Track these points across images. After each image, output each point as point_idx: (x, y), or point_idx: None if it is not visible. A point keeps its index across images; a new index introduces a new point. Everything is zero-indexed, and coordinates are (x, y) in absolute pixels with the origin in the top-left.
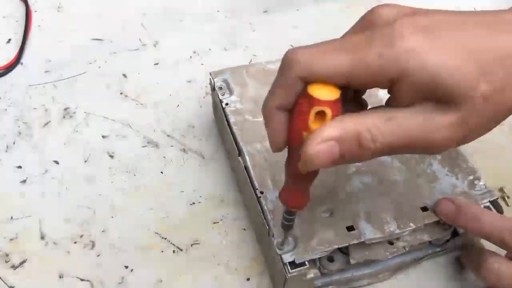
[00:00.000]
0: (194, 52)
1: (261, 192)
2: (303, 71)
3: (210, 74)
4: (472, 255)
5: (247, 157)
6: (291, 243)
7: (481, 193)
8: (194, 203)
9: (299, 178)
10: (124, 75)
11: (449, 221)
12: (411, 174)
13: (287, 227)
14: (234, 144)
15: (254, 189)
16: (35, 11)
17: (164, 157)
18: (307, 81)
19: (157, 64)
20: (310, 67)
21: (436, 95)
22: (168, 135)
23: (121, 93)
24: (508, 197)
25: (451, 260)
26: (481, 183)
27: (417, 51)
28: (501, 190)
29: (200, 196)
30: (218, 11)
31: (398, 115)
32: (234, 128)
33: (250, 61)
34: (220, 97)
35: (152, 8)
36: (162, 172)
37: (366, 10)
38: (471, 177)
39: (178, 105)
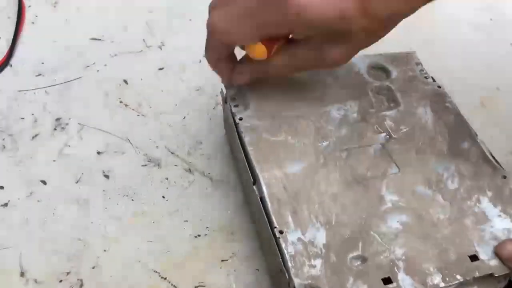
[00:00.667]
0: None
1: (281, 232)
2: (224, 40)
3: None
4: None
5: (263, 187)
6: None
7: None
8: (199, 235)
9: None
10: (125, 81)
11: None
12: (457, 212)
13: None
14: (248, 169)
15: (272, 227)
16: (29, 6)
17: (166, 179)
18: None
19: (162, 69)
20: (228, 37)
21: (326, 32)
22: (172, 153)
23: (120, 102)
24: None
25: None
26: None
27: (303, 2)
28: None
29: (207, 227)
30: None
31: (297, 52)
32: (249, 149)
33: None
34: (233, 110)
35: (159, 4)
36: (164, 197)
37: None
38: None
39: (185, 117)
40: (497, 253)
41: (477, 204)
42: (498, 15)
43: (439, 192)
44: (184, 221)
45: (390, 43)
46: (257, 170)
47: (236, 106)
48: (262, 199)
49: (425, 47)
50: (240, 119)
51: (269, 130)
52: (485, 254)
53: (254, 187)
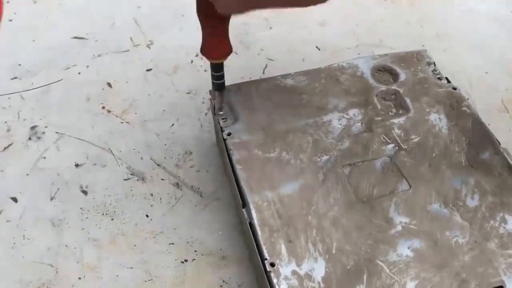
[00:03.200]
0: (197, 55)
1: (272, 265)
2: None
3: (210, 93)
4: None
5: (253, 212)
6: None
7: None
8: (186, 260)
9: (214, 20)
10: (109, 84)
11: None
12: (478, 234)
13: (218, 86)
14: (237, 191)
15: (262, 259)
16: (7, 2)
17: (151, 195)
18: None
19: (150, 70)
20: None
21: None
22: (158, 165)
23: (103, 108)
24: None
25: None
26: None
27: None
28: None
29: (195, 251)
30: None
31: None
32: (238, 168)
33: (265, 68)
34: (221, 124)
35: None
36: (147, 216)
37: (406, 2)
38: None
39: (173, 124)
40: None
41: (502, 224)
42: None
43: (457, 211)
44: (170, 244)
45: (399, 39)
46: (246, 193)
47: (224, 119)
48: (251, 225)
49: (439, 43)
50: (229, 134)
51: (261, 146)
52: None
53: (244, 210)
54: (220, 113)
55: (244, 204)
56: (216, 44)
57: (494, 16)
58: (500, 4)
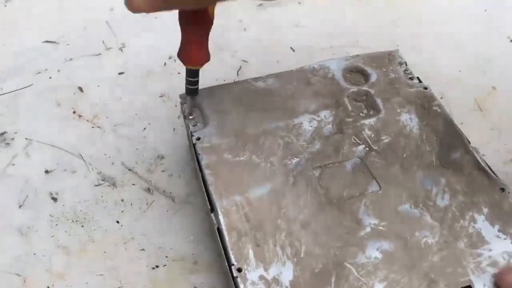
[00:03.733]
0: (170, 58)
1: (239, 270)
2: None
3: (180, 97)
4: None
5: (221, 217)
6: None
7: None
8: (157, 266)
9: (195, 27)
10: (80, 89)
11: None
12: (448, 234)
13: (191, 91)
14: (206, 196)
15: (229, 264)
16: None
17: (122, 200)
18: None
19: (122, 73)
20: None
21: None
22: (130, 170)
23: (74, 112)
24: None
25: None
26: None
27: None
28: None
29: (166, 257)
30: None
31: None
32: (206, 173)
33: (239, 70)
34: (191, 128)
35: (122, 2)
36: (118, 222)
37: (382, 2)
38: None
39: (145, 128)
40: (499, 284)
41: (472, 223)
42: (493, 4)
43: (427, 211)
44: (141, 250)
45: (374, 39)
46: (214, 197)
47: (194, 124)
48: (219, 230)
49: (414, 43)
50: (198, 139)
51: (231, 150)
52: (481, 284)
53: (212, 215)
54: (191, 117)
55: (212, 209)
56: (194, 51)
57: (468, 15)
58: (475, 3)
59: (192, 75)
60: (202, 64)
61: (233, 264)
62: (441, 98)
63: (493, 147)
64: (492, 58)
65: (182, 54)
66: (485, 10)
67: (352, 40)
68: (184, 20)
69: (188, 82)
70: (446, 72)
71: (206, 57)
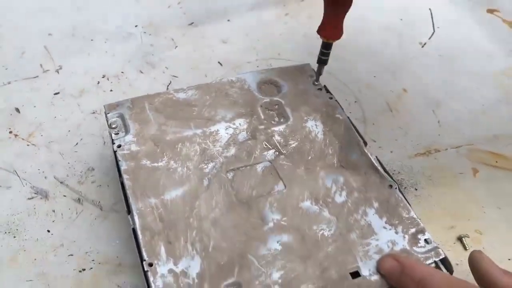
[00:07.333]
0: (103, 77)
1: (150, 265)
2: None
3: (105, 108)
4: None
5: (136, 218)
6: None
7: (425, 251)
8: (84, 269)
9: (336, 7)
10: (17, 110)
11: (392, 284)
12: (343, 227)
13: (323, 61)
14: (124, 199)
15: (142, 260)
16: None
17: (53, 211)
18: None
19: (57, 93)
20: None
21: None
22: (61, 182)
23: (10, 132)
24: (467, 237)
25: None
26: (425, 237)
27: None
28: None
29: (93, 260)
30: (136, 26)
31: None
32: (125, 177)
33: (169, 84)
34: (113, 136)
35: (60, 26)
36: (49, 231)
37: (306, 17)
38: (413, 230)
39: (77, 143)
40: (378, 269)
41: (364, 216)
42: (408, 15)
43: (326, 207)
44: (69, 255)
45: (296, 52)
46: (131, 201)
47: (116, 133)
48: (134, 230)
49: (333, 53)
50: (119, 146)
51: (149, 156)
52: (367, 270)
53: (129, 217)
54: (113, 126)
55: (129, 211)
56: (332, 29)
57: (384, 24)
58: (392, 13)
59: (327, 48)
60: (336, 39)
61: (145, 260)
62: (355, 102)
63: (400, 144)
64: (404, 63)
65: (321, 30)
66: (401, 19)
67: (274, 53)
68: (330, 2)
69: (321, 53)
70: (362, 77)
71: (339, 34)
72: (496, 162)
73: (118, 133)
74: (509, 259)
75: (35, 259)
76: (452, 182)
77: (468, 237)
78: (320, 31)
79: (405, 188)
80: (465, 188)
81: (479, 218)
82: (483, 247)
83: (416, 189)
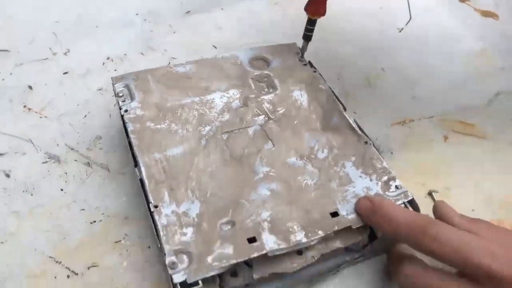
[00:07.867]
0: (108, 59)
1: (155, 206)
2: None
3: (112, 80)
4: (391, 260)
5: (142, 169)
6: (185, 261)
7: (395, 195)
8: (94, 221)
9: None
10: (30, 87)
11: (367, 221)
12: (324, 178)
13: (307, 37)
14: (131, 156)
15: (148, 203)
16: None
17: (65, 173)
18: None
19: (66, 73)
20: None
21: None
22: (72, 149)
23: (24, 106)
24: (436, 192)
25: (376, 267)
26: (396, 183)
27: None
28: (430, 193)
29: (102, 214)
30: (137, 14)
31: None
32: (132, 137)
33: (168, 64)
34: (120, 104)
35: (66, 15)
36: (62, 190)
37: (294, 7)
38: (386, 178)
39: (86, 116)
40: (355, 209)
41: (342, 168)
42: (387, 2)
43: (309, 162)
44: (81, 210)
45: (284, 37)
46: (138, 155)
47: (123, 100)
48: (141, 180)
49: (319, 36)
50: (126, 111)
51: (153, 119)
52: (345, 210)
53: (136, 169)
54: (120, 95)
55: (136, 164)
56: (315, 6)
57: (365, 11)
58: (373, 2)
59: (311, 24)
60: (320, 16)
61: (151, 202)
62: (338, 79)
63: (378, 115)
64: (383, 46)
65: (307, 7)
66: (381, 8)
67: (265, 38)
68: None
69: (306, 29)
70: (344, 57)
71: (322, 12)
72: (464, 129)
73: (124, 101)
74: (472, 210)
75: (50, 213)
76: (424, 147)
77: (437, 192)
78: (306, 7)
79: (382, 151)
80: (436, 152)
81: (448, 177)
82: (449, 201)
83: (392, 153)
